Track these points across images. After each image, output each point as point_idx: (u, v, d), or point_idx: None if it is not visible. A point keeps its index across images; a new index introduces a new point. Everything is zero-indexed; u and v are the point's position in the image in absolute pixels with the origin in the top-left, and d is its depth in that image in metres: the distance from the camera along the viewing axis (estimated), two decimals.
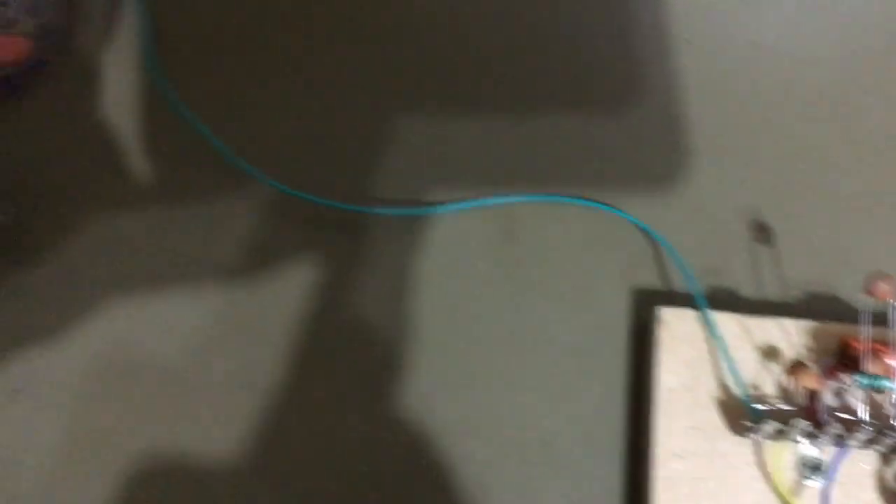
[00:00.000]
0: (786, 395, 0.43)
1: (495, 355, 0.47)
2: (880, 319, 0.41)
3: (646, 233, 0.49)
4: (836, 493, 0.41)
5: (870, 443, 0.40)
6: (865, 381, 0.40)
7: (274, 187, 0.49)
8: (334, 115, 0.52)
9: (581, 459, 0.45)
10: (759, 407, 0.42)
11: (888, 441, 0.40)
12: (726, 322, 0.44)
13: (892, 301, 0.40)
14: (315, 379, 0.46)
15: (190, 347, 0.47)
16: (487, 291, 0.48)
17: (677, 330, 0.44)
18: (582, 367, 0.46)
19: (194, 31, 0.54)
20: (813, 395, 0.42)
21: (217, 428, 0.45)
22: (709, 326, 0.44)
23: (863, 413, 0.40)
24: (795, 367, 0.42)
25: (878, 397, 0.41)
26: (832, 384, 0.41)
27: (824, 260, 0.48)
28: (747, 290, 0.48)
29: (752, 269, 0.48)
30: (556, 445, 0.45)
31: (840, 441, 0.40)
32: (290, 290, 0.48)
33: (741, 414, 0.42)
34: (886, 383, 0.39)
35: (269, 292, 0.48)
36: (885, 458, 0.41)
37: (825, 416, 0.41)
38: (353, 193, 0.50)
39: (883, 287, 0.40)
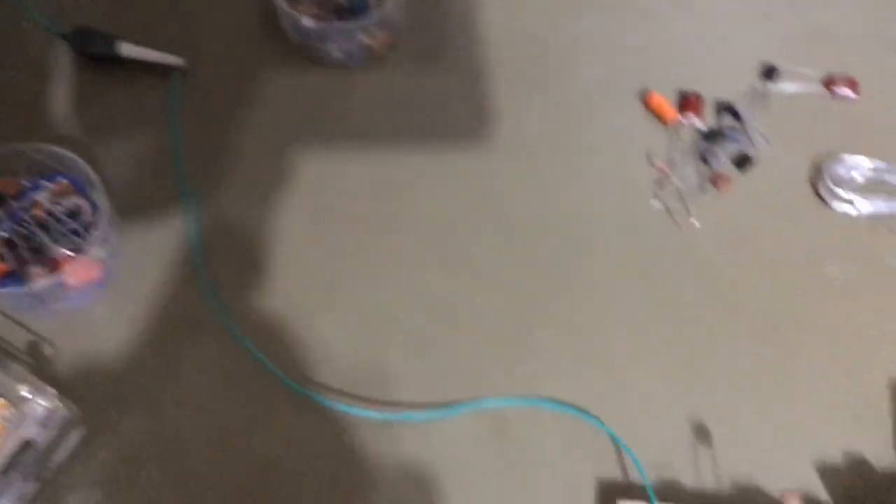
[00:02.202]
0: None
1: None
2: None
3: (610, 434, 0.60)
4: None
5: None
6: None
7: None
8: (354, 328, 0.63)
9: None
10: None
11: None
12: None
13: None
14: None
15: None
16: (480, 481, 0.59)
17: None
18: None
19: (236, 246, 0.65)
20: None
21: None
22: None
23: None
24: None
25: None
26: None
27: (748, 456, 0.60)
28: (688, 480, 0.59)
29: (693, 464, 0.60)
30: None
31: None
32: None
33: None
34: None
35: None
36: None
37: None
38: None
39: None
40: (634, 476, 0.59)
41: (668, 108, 0.71)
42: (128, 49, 0.68)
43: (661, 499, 0.56)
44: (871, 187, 0.70)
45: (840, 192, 0.68)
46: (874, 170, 0.70)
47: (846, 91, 0.73)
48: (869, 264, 0.67)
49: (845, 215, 0.69)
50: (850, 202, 0.68)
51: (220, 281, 0.63)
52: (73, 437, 0.57)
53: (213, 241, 0.65)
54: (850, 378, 0.63)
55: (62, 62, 0.70)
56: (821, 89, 0.73)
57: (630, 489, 0.59)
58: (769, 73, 0.73)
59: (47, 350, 0.60)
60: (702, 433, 0.61)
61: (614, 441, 0.60)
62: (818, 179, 0.69)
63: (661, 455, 0.60)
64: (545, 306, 0.64)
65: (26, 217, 0.58)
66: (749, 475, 0.60)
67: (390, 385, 0.61)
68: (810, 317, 0.65)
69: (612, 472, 0.60)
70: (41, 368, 0.59)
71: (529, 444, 0.60)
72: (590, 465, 0.60)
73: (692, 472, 0.60)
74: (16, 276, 0.59)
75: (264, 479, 0.58)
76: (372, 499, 0.58)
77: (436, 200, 0.68)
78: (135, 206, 0.65)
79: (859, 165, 0.70)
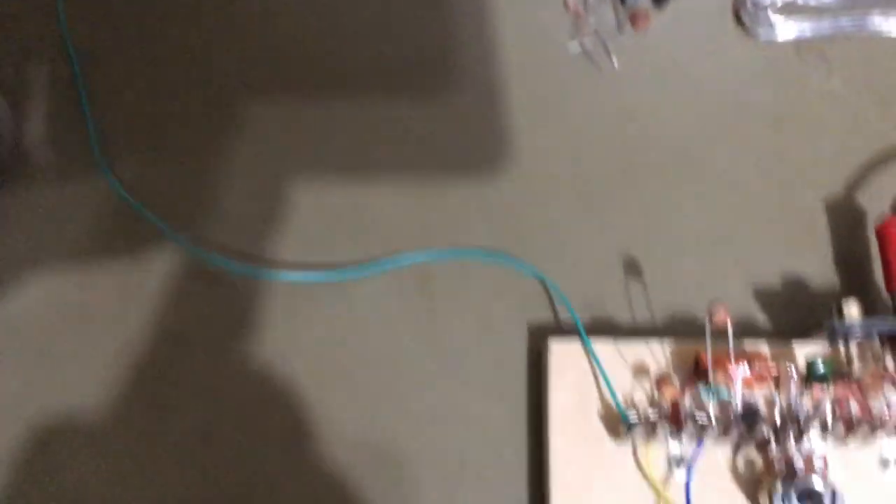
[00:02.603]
0: (654, 403, 0.52)
1: (417, 390, 0.55)
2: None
3: (538, 277, 0.58)
4: (697, 482, 0.51)
5: (719, 438, 0.50)
6: (708, 393, 0.50)
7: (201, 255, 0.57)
8: (250, 184, 0.60)
9: (492, 474, 0.54)
10: (633, 415, 0.51)
11: (733, 437, 0.50)
12: (604, 347, 0.54)
13: (728, 323, 0.50)
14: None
15: None
16: (406, 337, 0.56)
17: (565, 358, 0.53)
18: (491, 394, 0.55)
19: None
20: (675, 403, 0.51)
21: None
22: (590, 353, 0.53)
23: (713, 414, 0.50)
24: (660, 381, 0.52)
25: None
26: (689, 393, 0.51)
27: (681, 287, 0.58)
28: (622, 316, 0.57)
29: (625, 299, 0.58)
30: (471, 463, 0.54)
31: (697, 438, 0.50)
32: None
33: (620, 422, 0.51)
34: (724, 394, 0.50)
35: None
36: (735, 450, 0.51)
37: (685, 420, 0.50)
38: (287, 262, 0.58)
39: (720, 313, 0.50)
40: (566, 317, 0.57)
41: None
42: None
43: (595, 333, 0.54)
44: (795, 9, 0.67)
45: (763, 16, 0.66)
46: None
47: None
48: (795, 88, 0.65)
49: (769, 41, 0.66)
50: (774, 27, 0.66)
51: (112, 145, 0.61)
52: None
53: (107, 111, 0.62)
54: (783, 201, 0.61)
55: None
56: None
57: (561, 329, 0.57)
58: None
59: None
60: (632, 268, 0.59)
61: (543, 284, 0.58)
62: (740, 6, 0.66)
63: (593, 295, 0.58)
64: (458, 155, 0.62)
65: None
66: (683, 304, 0.58)
67: (303, 246, 0.59)
68: (738, 146, 0.63)
69: (544, 315, 0.58)
70: None
71: (456, 295, 0.58)
72: (520, 311, 0.58)
73: (625, 308, 0.58)
74: None
75: (171, 355, 0.55)
76: (294, 364, 0.56)
77: (335, 52, 0.64)
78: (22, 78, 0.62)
79: None
